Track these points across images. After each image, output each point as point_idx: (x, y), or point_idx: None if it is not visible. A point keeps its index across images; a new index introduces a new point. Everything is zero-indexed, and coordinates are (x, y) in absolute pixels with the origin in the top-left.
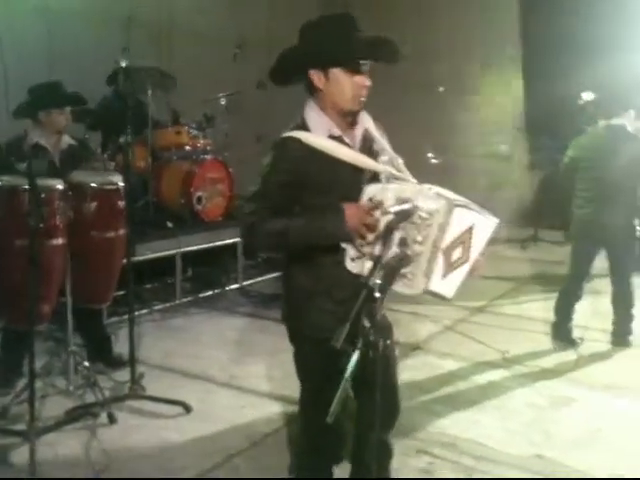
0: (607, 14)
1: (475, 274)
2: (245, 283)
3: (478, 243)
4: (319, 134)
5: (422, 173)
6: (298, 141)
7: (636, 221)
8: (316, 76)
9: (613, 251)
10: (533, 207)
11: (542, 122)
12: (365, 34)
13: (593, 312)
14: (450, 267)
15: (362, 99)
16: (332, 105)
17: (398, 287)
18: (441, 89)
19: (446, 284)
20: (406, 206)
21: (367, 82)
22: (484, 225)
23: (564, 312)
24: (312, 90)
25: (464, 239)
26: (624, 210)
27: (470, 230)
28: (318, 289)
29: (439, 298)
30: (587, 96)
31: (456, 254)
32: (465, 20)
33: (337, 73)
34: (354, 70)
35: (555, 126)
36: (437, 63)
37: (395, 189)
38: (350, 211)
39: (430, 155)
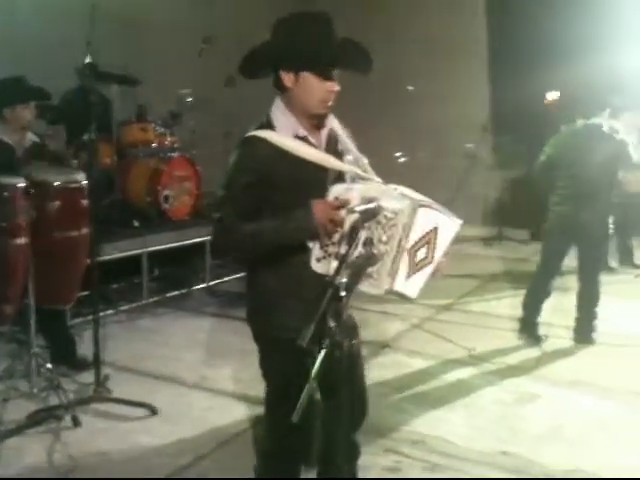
0: (573, 15)
1: (438, 275)
2: (212, 283)
3: (442, 244)
4: (284, 134)
5: (390, 172)
6: (263, 140)
7: (610, 219)
8: (287, 77)
9: (586, 248)
10: (498, 206)
11: (507, 122)
12: (339, 38)
13: (558, 308)
14: (415, 267)
15: (329, 103)
16: (299, 106)
17: (363, 287)
18: (410, 88)
19: (410, 285)
20: (371, 205)
21: (336, 87)
22: (448, 225)
23: (532, 308)
24: (281, 88)
25: (429, 239)
26: (600, 208)
27: (435, 230)
28: (286, 290)
29: (403, 298)
30: (551, 96)
31: (421, 254)
32: (434, 20)
33: (308, 77)
34: (325, 76)
35: (520, 126)
36: (406, 62)
37: (360, 189)
38: (318, 207)
39: (398, 154)
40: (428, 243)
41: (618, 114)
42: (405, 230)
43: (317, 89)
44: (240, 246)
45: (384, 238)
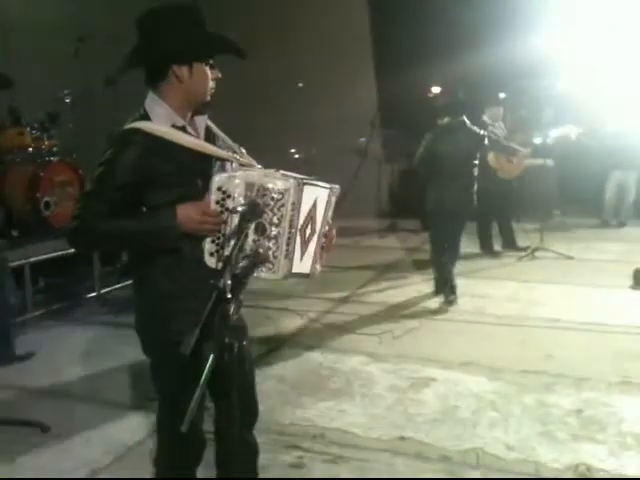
0: (455, 10)
1: (330, 246)
2: (103, 291)
3: (322, 214)
4: (162, 124)
5: (285, 168)
6: (140, 133)
7: (474, 194)
8: (180, 70)
9: (458, 223)
10: (390, 198)
11: (395, 116)
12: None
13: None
14: (305, 245)
15: (212, 90)
16: (191, 97)
17: (262, 274)
18: (300, 85)
19: (305, 263)
20: (247, 207)
21: (219, 74)
22: (325, 195)
23: (440, 274)
24: (157, 81)
25: (312, 214)
26: (466, 189)
27: (315, 204)
28: (182, 290)
29: (302, 277)
30: (435, 89)
31: (308, 231)
32: (322, 18)
33: (200, 68)
34: (212, 65)
35: (405, 120)
36: (297, 60)
37: (242, 175)
38: (183, 213)
39: (292, 150)
40: (312, 218)
41: (484, 109)
42: (294, 209)
43: (208, 78)
44: (96, 245)
45: (275, 220)
